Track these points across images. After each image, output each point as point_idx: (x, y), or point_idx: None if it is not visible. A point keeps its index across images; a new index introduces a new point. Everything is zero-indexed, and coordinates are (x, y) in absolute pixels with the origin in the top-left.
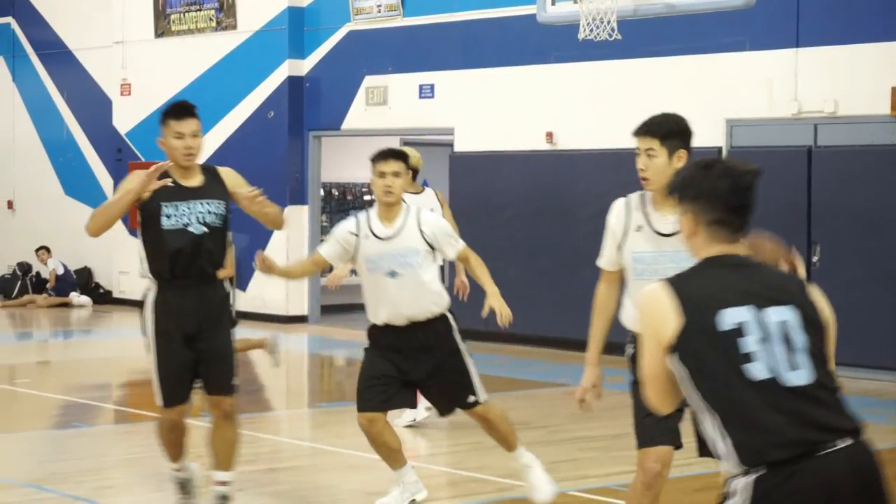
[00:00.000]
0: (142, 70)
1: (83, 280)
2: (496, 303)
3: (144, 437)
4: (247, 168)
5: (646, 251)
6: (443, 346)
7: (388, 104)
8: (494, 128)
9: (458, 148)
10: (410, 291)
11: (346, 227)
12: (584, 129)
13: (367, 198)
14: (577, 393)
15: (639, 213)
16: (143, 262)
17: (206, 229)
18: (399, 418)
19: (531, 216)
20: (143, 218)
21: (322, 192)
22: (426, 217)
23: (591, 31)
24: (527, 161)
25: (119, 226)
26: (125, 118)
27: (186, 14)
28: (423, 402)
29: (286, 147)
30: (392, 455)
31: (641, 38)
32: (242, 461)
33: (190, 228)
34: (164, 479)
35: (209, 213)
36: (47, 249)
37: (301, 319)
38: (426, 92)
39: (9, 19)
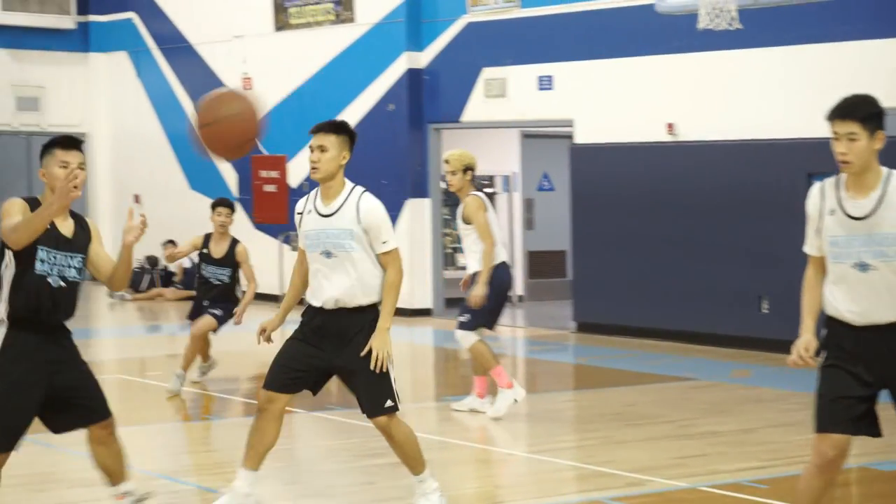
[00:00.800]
0: (262, 64)
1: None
2: (377, 343)
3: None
4: (368, 161)
5: (839, 235)
6: (364, 340)
7: (507, 96)
8: (614, 119)
9: (578, 140)
10: (342, 275)
11: (297, 207)
12: (705, 120)
13: (486, 190)
14: (793, 353)
15: (832, 197)
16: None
17: (63, 284)
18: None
19: (653, 208)
20: (17, 254)
21: (443, 185)
22: (368, 203)
23: (711, 20)
24: (648, 152)
25: (246, 222)
26: None
27: (305, 7)
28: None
29: (407, 140)
30: (257, 449)
31: (762, 26)
32: (372, 454)
33: (49, 280)
34: (295, 471)
35: (70, 267)
36: (174, 243)
37: (425, 312)
38: (545, 83)
39: (131, 14)
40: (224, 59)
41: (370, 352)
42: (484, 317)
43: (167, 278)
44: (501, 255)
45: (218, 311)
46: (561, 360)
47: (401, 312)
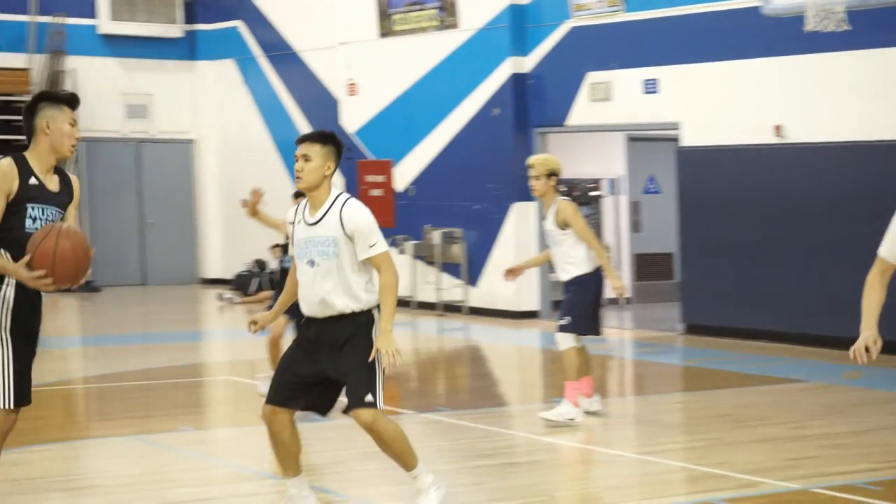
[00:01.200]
0: (367, 70)
1: None
2: (382, 343)
3: None
4: (473, 166)
5: None
6: (357, 342)
7: (612, 100)
8: (721, 122)
9: (684, 143)
10: (327, 282)
11: (288, 216)
12: (814, 122)
13: (592, 193)
14: (856, 348)
15: None
16: None
17: None
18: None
19: (760, 210)
20: (8, 213)
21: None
22: (351, 207)
23: (819, 22)
24: (755, 155)
25: None
26: (352, 118)
27: (409, 14)
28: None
29: (512, 144)
30: (287, 458)
31: (872, 27)
32: (481, 455)
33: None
34: (404, 472)
35: (54, 221)
36: (281, 248)
37: (532, 315)
38: (650, 87)
39: (237, 23)
40: (329, 65)
41: (364, 351)
42: (585, 322)
43: (275, 282)
44: (596, 260)
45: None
46: (669, 361)
47: (508, 315)
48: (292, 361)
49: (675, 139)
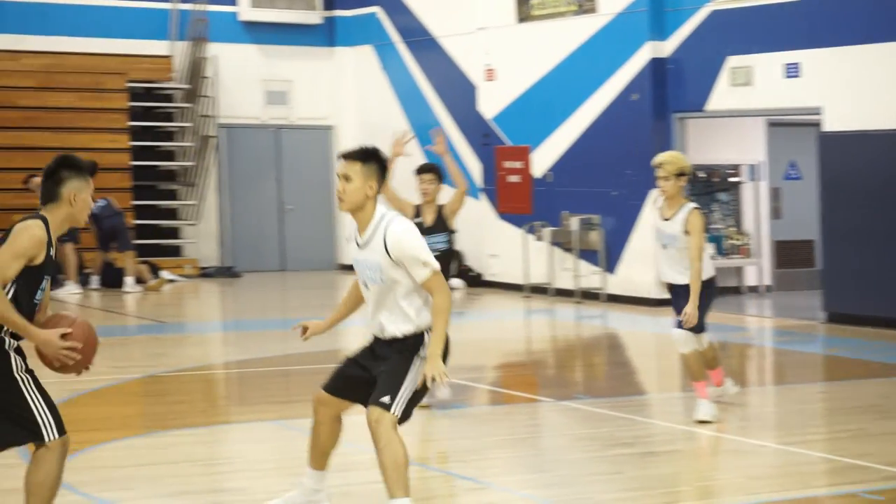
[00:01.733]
0: (505, 55)
1: (455, 263)
2: (430, 368)
3: (522, 418)
4: (611, 152)
5: None
6: (400, 355)
7: (753, 84)
8: (864, 106)
9: (826, 128)
10: (380, 306)
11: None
12: None
13: (731, 179)
14: None
15: None
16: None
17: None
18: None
19: None
20: (25, 279)
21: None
22: (394, 230)
23: None
24: None
25: (490, 212)
26: (490, 103)
27: None
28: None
29: (650, 130)
30: (317, 450)
31: None
32: (620, 444)
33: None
34: (543, 460)
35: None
36: None
37: (670, 302)
38: (792, 71)
39: (375, 9)
40: (467, 51)
41: (403, 363)
42: (700, 326)
43: None
44: (710, 270)
45: None
46: (810, 350)
47: (645, 302)
48: (351, 357)
49: (816, 124)
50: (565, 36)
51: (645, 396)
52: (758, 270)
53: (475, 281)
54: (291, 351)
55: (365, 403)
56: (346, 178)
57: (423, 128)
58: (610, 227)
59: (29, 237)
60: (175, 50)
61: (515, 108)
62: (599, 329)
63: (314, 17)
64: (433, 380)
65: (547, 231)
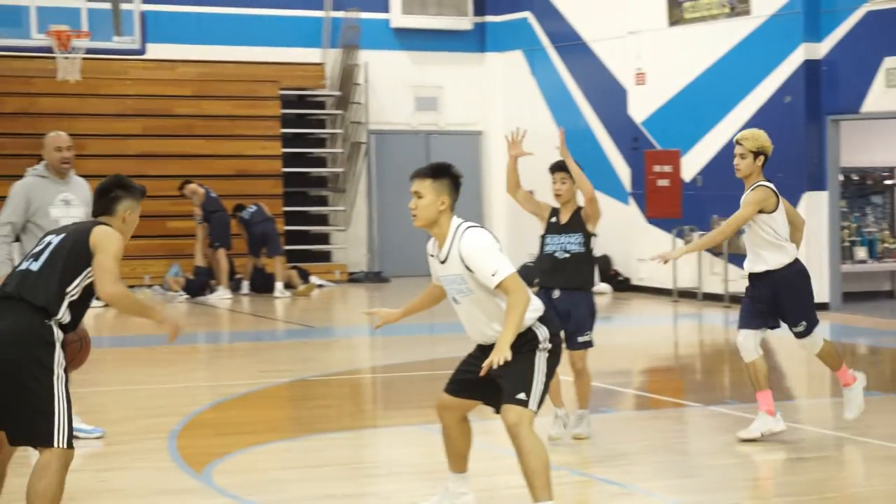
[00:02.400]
0: (656, 59)
1: (602, 268)
2: (496, 354)
3: (669, 422)
4: None
5: None
6: (521, 354)
7: None
8: None
9: None
10: (474, 317)
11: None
12: None
13: (887, 182)
14: None
15: None
16: (63, 307)
17: None
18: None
19: None
20: (87, 290)
21: (841, 178)
22: (466, 243)
23: None
24: None
25: (639, 216)
26: (640, 107)
27: (699, 1)
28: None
29: (803, 132)
30: (453, 454)
31: None
32: (768, 449)
33: None
34: (692, 465)
35: None
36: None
37: (823, 307)
38: None
39: (526, 14)
40: (617, 55)
41: (527, 359)
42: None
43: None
44: (792, 252)
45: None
46: None
47: None
48: (470, 359)
49: None
50: (717, 38)
51: (794, 401)
52: None
53: (623, 285)
54: (438, 355)
55: (487, 401)
56: (418, 194)
57: (572, 133)
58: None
59: (120, 241)
60: (327, 57)
61: (666, 111)
62: None
63: (465, 23)
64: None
65: (696, 235)
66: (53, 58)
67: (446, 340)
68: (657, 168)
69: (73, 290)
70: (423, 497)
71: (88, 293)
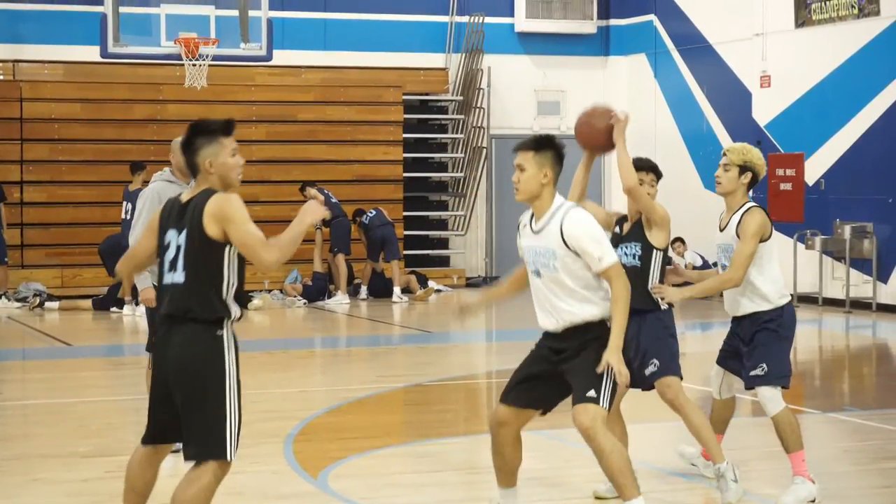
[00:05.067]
0: (782, 61)
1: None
2: (613, 358)
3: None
4: (889, 157)
5: None
6: (590, 349)
7: None
8: None
9: None
10: (551, 295)
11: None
12: None
13: None
14: None
15: None
16: (229, 306)
17: None
18: None
19: None
20: (240, 269)
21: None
22: (572, 221)
23: None
24: None
25: None
26: (764, 110)
27: (827, 2)
28: None
29: None
30: (503, 469)
31: None
32: (888, 457)
33: None
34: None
35: None
36: (683, 241)
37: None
38: None
39: (651, 17)
40: (742, 57)
41: (596, 355)
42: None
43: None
44: (783, 296)
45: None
46: None
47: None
48: (527, 362)
49: None
50: (845, 40)
51: None
52: None
53: None
54: None
55: (545, 405)
56: (520, 167)
57: (695, 136)
58: (884, 235)
59: (232, 199)
60: (451, 62)
61: (790, 114)
62: (869, 339)
63: (589, 26)
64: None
65: (818, 240)
66: (181, 65)
67: None
68: (780, 171)
69: (228, 282)
70: (537, 502)
71: (241, 269)
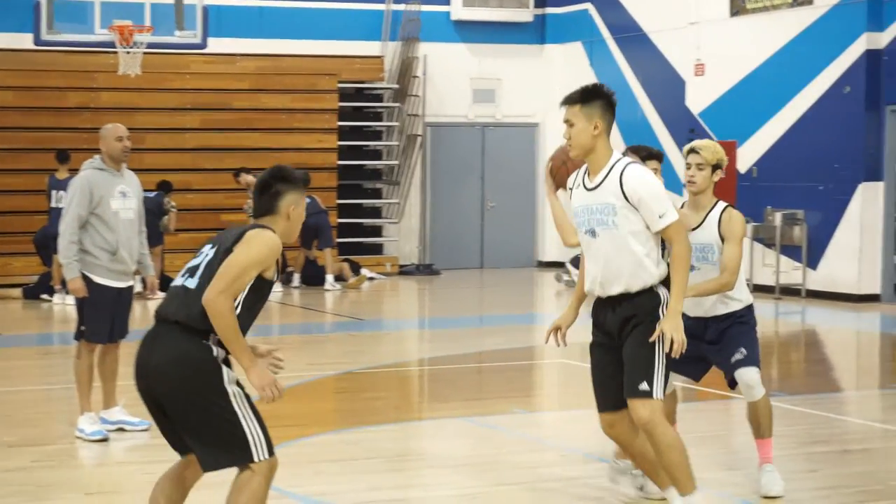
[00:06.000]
0: (716, 49)
1: None
2: (668, 326)
3: (716, 415)
4: (820, 146)
5: None
6: (641, 323)
7: None
8: None
9: None
10: (609, 257)
11: (568, 182)
12: None
13: None
14: None
15: None
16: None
17: None
18: None
19: None
20: (253, 292)
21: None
22: (632, 174)
23: None
24: None
25: None
26: (698, 98)
27: None
28: None
29: (863, 123)
30: (650, 468)
31: None
32: (814, 441)
33: None
34: (736, 458)
35: None
36: None
37: (873, 298)
38: None
39: (587, 5)
40: (677, 46)
41: (646, 333)
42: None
43: None
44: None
45: None
46: None
47: (847, 298)
48: (599, 362)
49: None
50: (778, 29)
51: (841, 394)
52: None
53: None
54: (486, 348)
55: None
56: (569, 122)
57: (629, 124)
58: (814, 223)
59: (269, 246)
60: (386, 50)
61: (723, 102)
62: (798, 325)
63: (526, 14)
64: (671, 346)
65: (749, 227)
66: (115, 52)
67: (494, 333)
68: None
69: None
70: (466, 489)
71: (254, 303)
